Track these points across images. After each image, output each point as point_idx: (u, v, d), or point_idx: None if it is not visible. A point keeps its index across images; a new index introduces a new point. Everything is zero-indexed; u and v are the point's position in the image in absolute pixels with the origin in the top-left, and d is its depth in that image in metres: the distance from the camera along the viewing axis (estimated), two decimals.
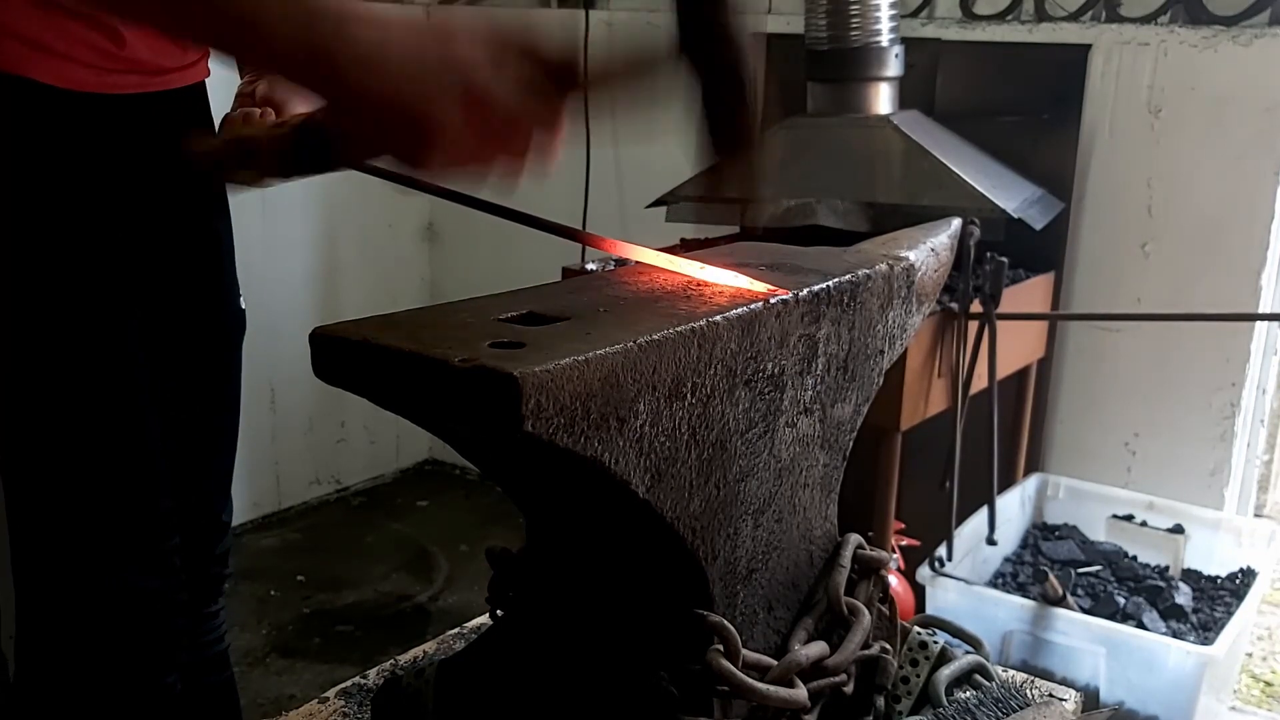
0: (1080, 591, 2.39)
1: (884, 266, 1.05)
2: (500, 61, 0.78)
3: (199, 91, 1.46)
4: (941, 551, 2.32)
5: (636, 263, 0.99)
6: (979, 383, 2.33)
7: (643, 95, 0.85)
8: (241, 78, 1.40)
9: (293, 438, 3.50)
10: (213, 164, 0.99)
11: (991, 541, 2.46)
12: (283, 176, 0.94)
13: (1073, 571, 2.45)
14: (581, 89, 0.82)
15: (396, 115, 0.76)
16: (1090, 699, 2.11)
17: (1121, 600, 2.33)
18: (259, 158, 0.92)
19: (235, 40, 0.78)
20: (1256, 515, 2.84)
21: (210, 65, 1.46)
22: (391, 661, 1.26)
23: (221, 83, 1.44)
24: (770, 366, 0.92)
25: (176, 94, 1.40)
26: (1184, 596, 2.38)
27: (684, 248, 2.61)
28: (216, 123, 1.51)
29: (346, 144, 0.83)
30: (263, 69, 1.23)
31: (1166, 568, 2.52)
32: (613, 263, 2.26)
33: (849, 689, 1.00)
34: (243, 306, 1.57)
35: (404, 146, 0.78)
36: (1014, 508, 2.61)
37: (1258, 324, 2.57)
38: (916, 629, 1.16)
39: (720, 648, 0.88)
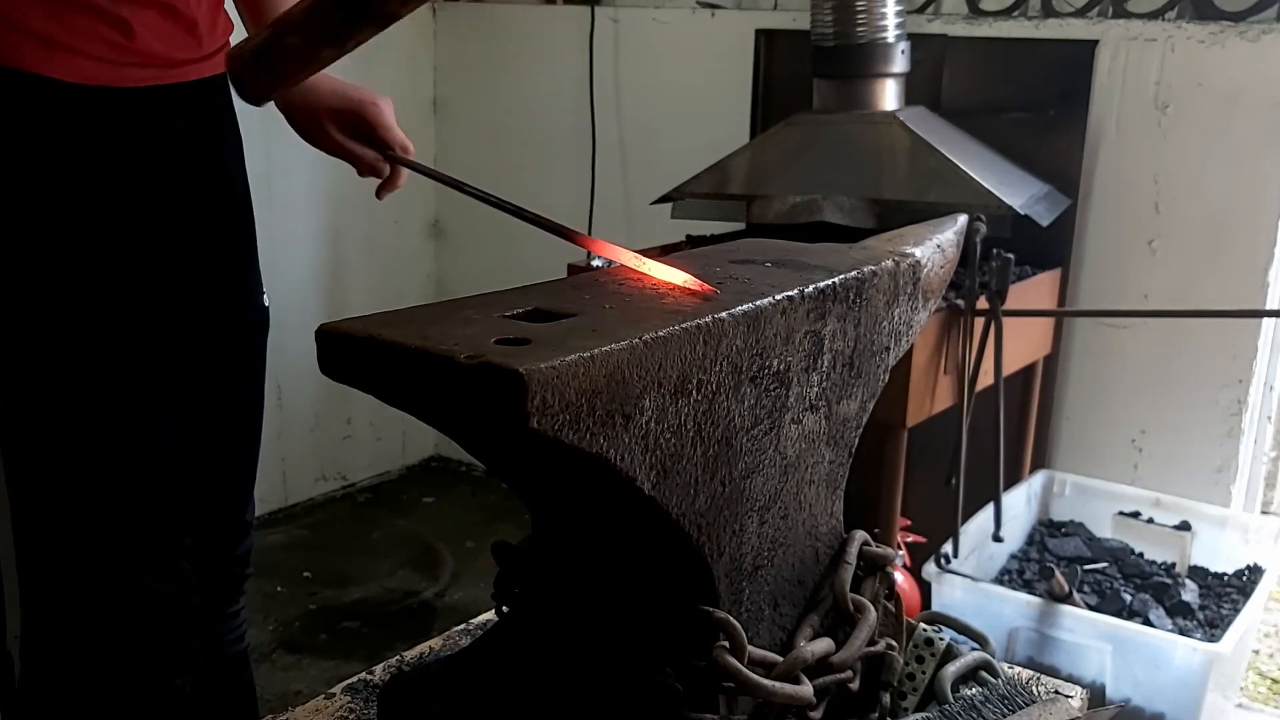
0: (1086, 588, 2.39)
1: (890, 263, 1.05)
2: None
3: (219, 84, 1.42)
4: (947, 548, 2.31)
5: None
6: (985, 379, 2.33)
7: None
8: None
9: (299, 434, 3.51)
10: (255, 53, 0.97)
11: (997, 538, 2.45)
12: (330, 42, 0.93)
13: (1079, 568, 2.44)
14: None
15: None
16: (1096, 696, 2.11)
17: (1128, 597, 2.32)
18: (302, 27, 0.92)
19: None
20: (1263, 512, 2.83)
21: None
22: (397, 657, 1.27)
23: None
24: (776, 363, 0.92)
25: (193, 87, 1.38)
26: (1190, 593, 2.37)
27: (690, 244, 2.61)
28: (240, 119, 1.50)
29: None
30: None
31: (1173, 565, 2.52)
32: None
33: (855, 685, 1.00)
34: (266, 304, 1.53)
35: None
36: (1020, 504, 2.60)
37: (1265, 320, 2.56)
38: (922, 626, 1.17)
39: (726, 644, 0.88)
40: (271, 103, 1.18)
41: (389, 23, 0.88)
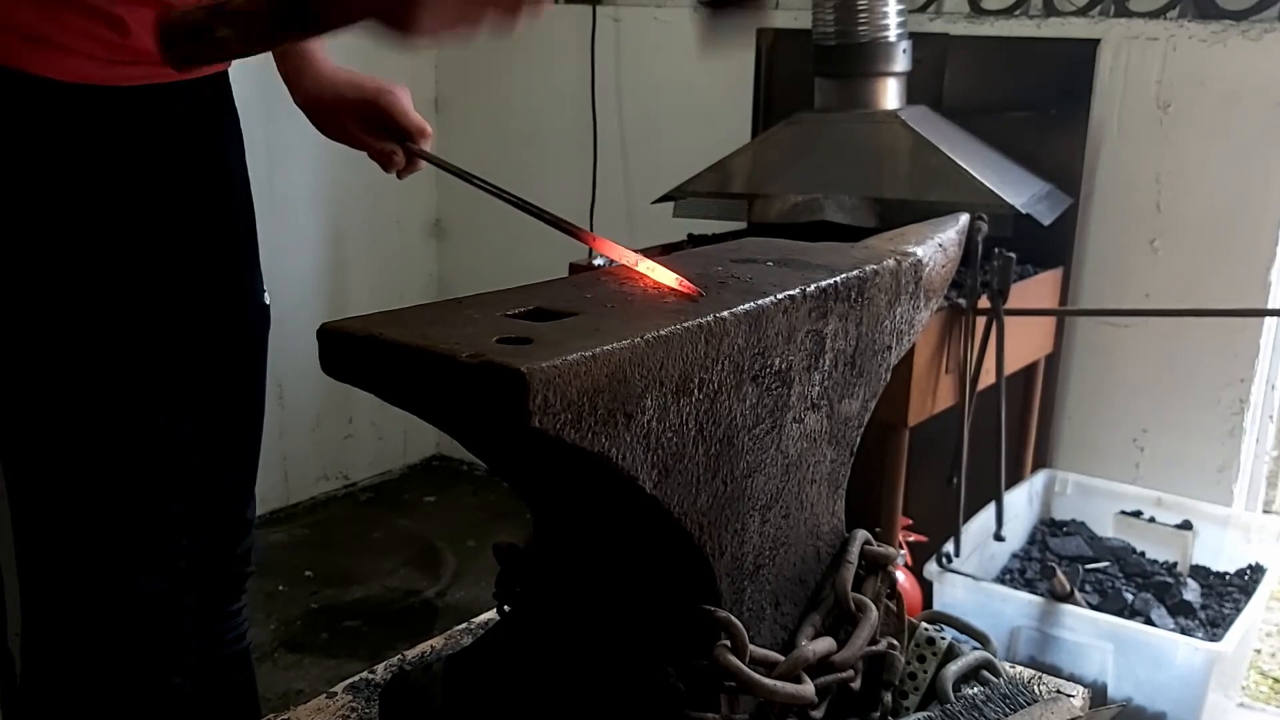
0: (1088, 588, 2.39)
1: (891, 262, 1.05)
2: None
3: (218, 81, 1.41)
4: (949, 547, 2.31)
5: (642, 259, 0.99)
6: (986, 378, 2.32)
7: None
8: None
9: (300, 433, 3.51)
10: (188, 31, 0.96)
11: (999, 537, 2.45)
12: (265, 40, 0.92)
13: (1080, 568, 2.44)
14: None
15: None
16: (1098, 695, 2.11)
17: (1129, 596, 2.32)
18: (238, 19, 0.91)
19: None
20: (1265, 511, 2.83)
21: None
22: (399, 657, 1.27)
23: (244, 73, 1.40)
24: (778, 362, 0.92)
25: (192, 85, 1.37)
26: (1192, 593, 2.37)
27: (692, 243, 2.61)
28: (241, 118, 1.49)
29: (328, 2, 0.82)
30: None
31: (1174, 564, 2.52)
32: None
33: (856, 685, 1.00)
34: (267, 302, 1.52)
35: (388, 6, 0.77)
36: (1021, 504, 2.60)
37: (1266, 319, 2.56)
38: (924, 625, 1.16)
39: (727, 643, 0.88)
40: (272, 102, 1.17)
41: (325, 32, 0.87)
